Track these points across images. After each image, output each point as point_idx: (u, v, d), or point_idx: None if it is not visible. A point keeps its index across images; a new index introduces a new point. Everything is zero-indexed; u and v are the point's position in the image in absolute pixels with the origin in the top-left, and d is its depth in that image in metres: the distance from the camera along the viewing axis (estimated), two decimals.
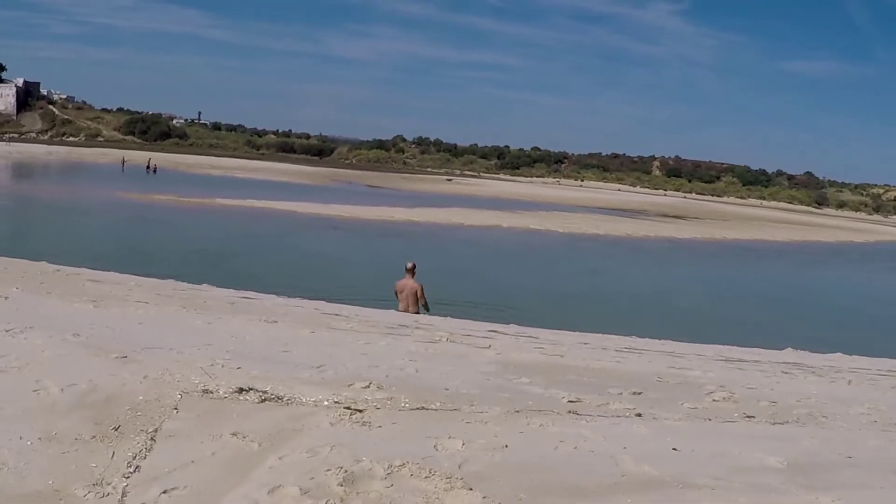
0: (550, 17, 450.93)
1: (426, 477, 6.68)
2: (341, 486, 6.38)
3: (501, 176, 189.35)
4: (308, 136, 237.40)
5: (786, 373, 17.04)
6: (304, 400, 8.80)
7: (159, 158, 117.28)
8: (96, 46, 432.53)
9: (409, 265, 22.15)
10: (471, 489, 6.53)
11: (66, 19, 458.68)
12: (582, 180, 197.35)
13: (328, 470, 6.65)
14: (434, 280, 31.50)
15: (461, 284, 33.71)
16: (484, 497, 6.40)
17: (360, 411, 8.49)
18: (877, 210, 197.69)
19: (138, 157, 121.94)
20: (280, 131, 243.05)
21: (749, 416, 10.87)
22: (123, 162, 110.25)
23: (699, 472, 7.53)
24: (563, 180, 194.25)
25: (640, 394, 11.52)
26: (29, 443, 6.97)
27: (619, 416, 9.78)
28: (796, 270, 62.28)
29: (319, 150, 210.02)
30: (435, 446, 7.49)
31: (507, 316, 25.65)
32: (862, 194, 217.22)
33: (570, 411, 9.68)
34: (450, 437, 7.75)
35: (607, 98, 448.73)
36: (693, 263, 58.18)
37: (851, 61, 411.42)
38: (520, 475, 6.96)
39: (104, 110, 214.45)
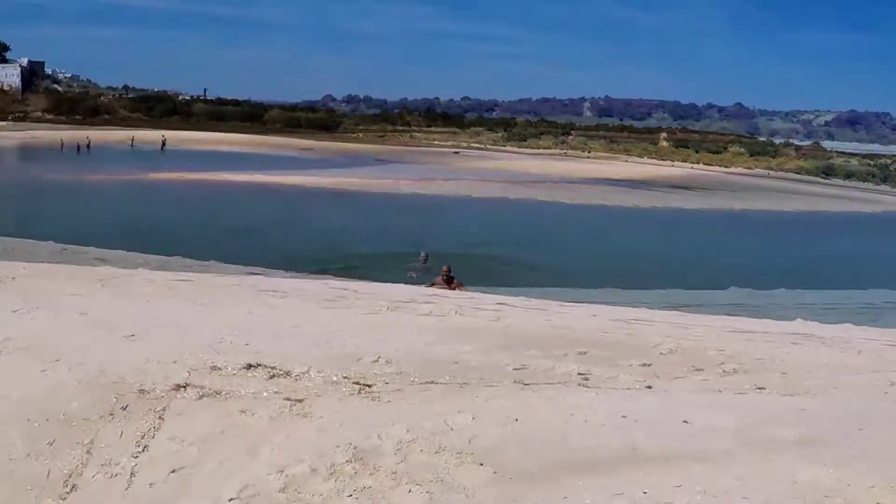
0: None
1: (436, 452, 6.65)
2: (350, 462, 6.36)
3: (508, 148, 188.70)
4: (314, 110, 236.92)
5: (795, 343, 16.99)
6: (313, 375, 8.76)
7: (163, 136, 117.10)
8: (100, 25, 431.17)
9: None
10: (481, 464, 6.50)
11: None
12: (589, 151, 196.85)
13: (337, 447, 6.62)
14: (441, 250, 31.68)
15: (468, 255, 33.70)
16: (495, 472, 6.37)
17: (369, 386, 8.46)
18: (884, 180, 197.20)
19: (144, 135, 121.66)
20: (286, 105, 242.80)
21: (760, 388, 10.84)
22: (133, 140, 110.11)
23: (710, 445, 7.50)
24: (570, 152, 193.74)
25: (649, 365, 11.49)
26: (37, 425, 6.95)
27: (629, 389, 9.76)
28: (804, 239, 62.22)
29: (325, 124, 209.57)
30: (445, 421, 7.46)
31: (515, 288, 25.68)
32: (870, 164, 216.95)
33: (580, 384, 9.66)
34: (459, 412, 7.72)
35: (615, 70, 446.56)
36: (700, 234, 58.05)
37: (853, 31, 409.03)
38: (530, 449, 6.94)
39: (109, 88, 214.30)
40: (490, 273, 29.13)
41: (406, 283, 23.56)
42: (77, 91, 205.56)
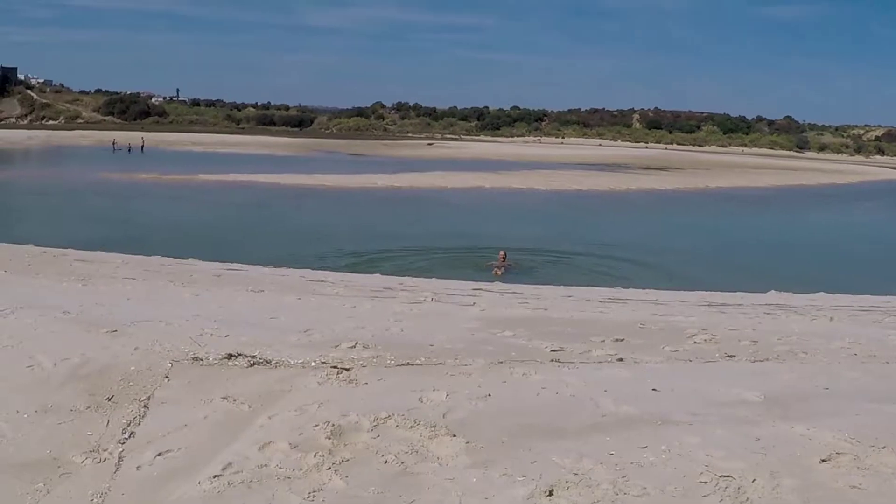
0: None
1: (411, 427, 6.88)
2: (329, 438, 6.58)
3: (482, 137, 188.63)
4: (287, 108, 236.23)
5: (768, 314, 17.26)
6: (291, 362, 8.99)
7: (138, 137, 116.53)
8: (72, 28, 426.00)
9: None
10: (454, 435, 6.73)
11: (42, 3, 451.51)
12: (563, 137, 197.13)
13: (316, 425, 6.85)
14: (415, 239, 31.88)
15: (443, 243, 33.84)
16: (467, 442, 6.61)
17: (347, 370, 8.69)
18: (858, 151, 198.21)
19: (120, 137, 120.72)
20: (259, 104, 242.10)
21: (729, 356, 11.10)
22: (114, 143, 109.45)
23: (678, 408, 7.75)
24: (544, 138, 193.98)
25: (622, 340, 11.73)
26: (25, 416, 7.16)
27: (600, 362, 9.99)
28: (779, 214, 62.36)
29: (299, 121, 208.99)
30: (420, 398, 7.69)
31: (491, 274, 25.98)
32: (843, 136, 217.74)
33: (552, 360, 9.89)
34: (434, 390, 7.95)
35: (584, 53, 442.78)
36: (676, 213, 58.01)
37: (827, 2, 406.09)
38: (502, 420, 7.17)
39: (82, 92, 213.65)
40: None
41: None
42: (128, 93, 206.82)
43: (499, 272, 27.42)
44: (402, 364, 9.16)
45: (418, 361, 9.31)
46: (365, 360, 9.27)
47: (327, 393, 7.89)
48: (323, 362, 9.03)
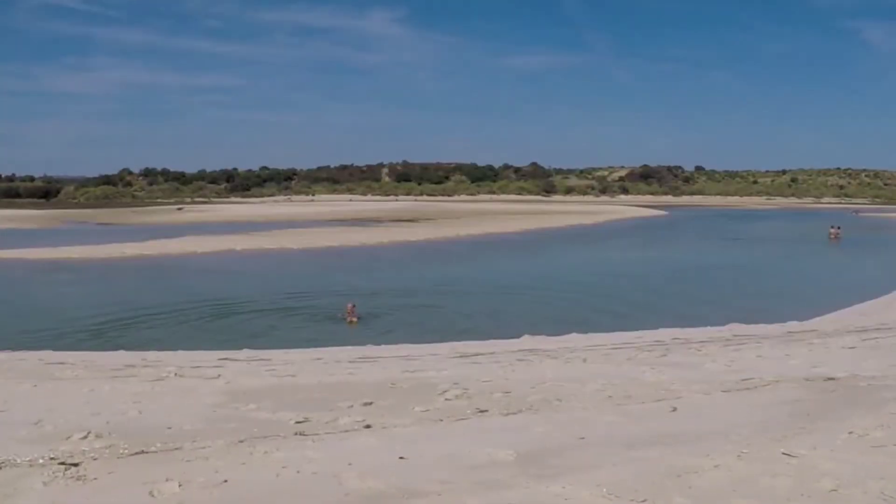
0: (270, 34, 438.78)
1: None
2: None
3: (233, 199, 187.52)
4: (32, 179, 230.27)
5: (521, 360, 17.32)
6: (18, 461, 8.39)
7: None
8: None
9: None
10: None
11: None
12: (313, 195, 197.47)
13: None
14: (162, 307, 31.17)
15: (194, 308, 33.10)
16: None
17: (76, 465, 8.15)
18: (603, 192, 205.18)
19: None
20: (3, 176, 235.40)
21: (482, 411, 10.97)
22: None
23: (426, 477, 7.50)
24: (294, 197, 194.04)
25: (370, 404, 11.48)
26: None
27: (347, 431, 9.71)
28: (528, 258, 63.43)
29: (45, 192, 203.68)
30: (151, 493, 7.22)
31: (240, 340, 25.26)
32: (588, 178, 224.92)
33: (296, 433, 9.57)
34: (167, 480, 7.51)
35: (332, 110, 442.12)
36: (426, 263, 58.41)
37: (566, 51, 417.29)
38: None
39: None
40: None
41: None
42: None
43: (354, 322, 29.76)
44: (137, 453, 8.67)
45: (153, 448, 8.84)
46: (97, 451, 8.73)
47: (53, 494, 7.33)
48: (51, 458, 8.46)
